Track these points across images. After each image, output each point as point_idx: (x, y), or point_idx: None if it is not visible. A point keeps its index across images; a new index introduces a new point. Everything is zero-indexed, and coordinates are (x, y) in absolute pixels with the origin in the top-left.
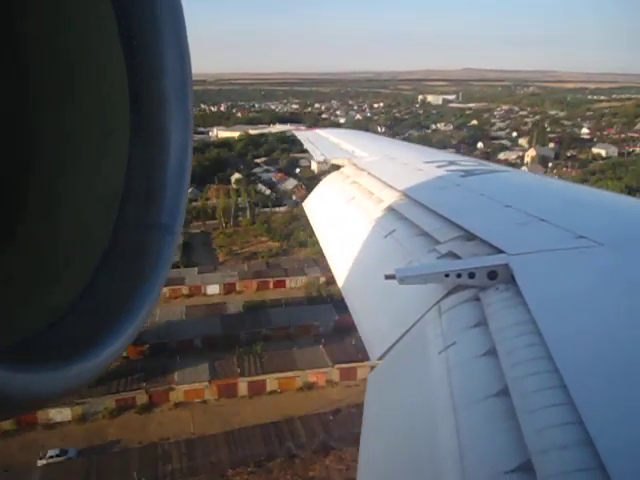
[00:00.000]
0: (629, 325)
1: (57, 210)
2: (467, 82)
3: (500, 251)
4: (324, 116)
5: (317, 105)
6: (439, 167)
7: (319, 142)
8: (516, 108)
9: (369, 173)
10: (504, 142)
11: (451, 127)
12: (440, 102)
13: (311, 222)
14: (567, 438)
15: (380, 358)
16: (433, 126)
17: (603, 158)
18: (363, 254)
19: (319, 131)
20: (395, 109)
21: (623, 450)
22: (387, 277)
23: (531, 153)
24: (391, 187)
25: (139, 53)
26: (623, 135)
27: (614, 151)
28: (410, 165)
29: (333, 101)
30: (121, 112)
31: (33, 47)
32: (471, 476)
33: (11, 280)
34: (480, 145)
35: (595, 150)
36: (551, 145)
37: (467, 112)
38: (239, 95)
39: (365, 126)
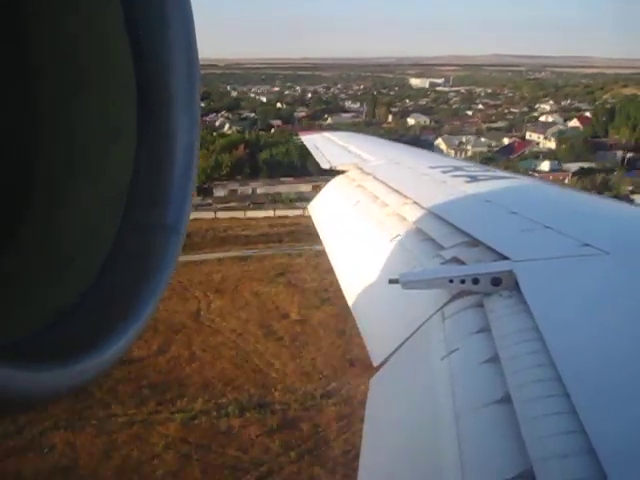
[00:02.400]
0: (633, 334)
1: (61, 210)
2: (480, 67)
3: (504, 257)
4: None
5: (297, 88)
6: (444, 172)
7: (325, 147)
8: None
9: (374, 177)
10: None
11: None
12: (427, 86)
13: (316, 225)
14: (569, 447)
15: (382, 363)
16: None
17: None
18: (367, 258)
19: (327, 134)
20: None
21: (625, 459)
22: (391, 281)
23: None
24: (396, 192)
25: (146, 53)
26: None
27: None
28: (415, 170)
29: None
30: (128, 113)
31: (41, 46)
32: None
33: (12, 279)
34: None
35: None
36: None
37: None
38: (239, 79)
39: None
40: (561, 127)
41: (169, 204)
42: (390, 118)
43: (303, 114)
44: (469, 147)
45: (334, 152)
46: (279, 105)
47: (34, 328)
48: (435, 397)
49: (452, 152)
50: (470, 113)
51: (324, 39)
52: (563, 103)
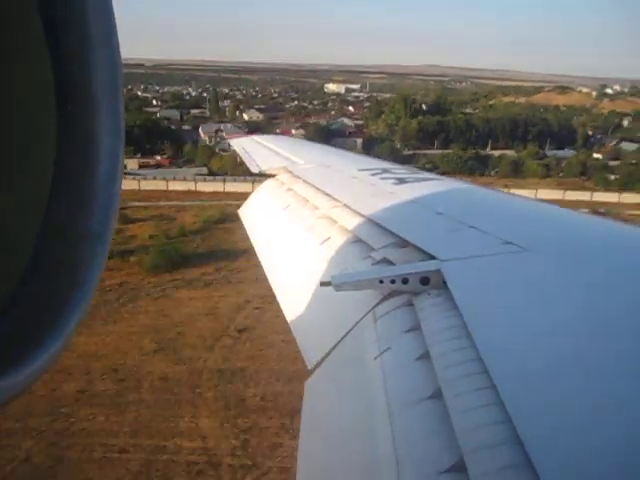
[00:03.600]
0: (554, 325)
1: None
2: (405, 75)
3: (432, 257)
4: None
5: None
6: (373, 175)
7: (254, 151)
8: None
9: (305, 181)
10: None
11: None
12: (343, 91)
13: (247, 229)
14: (497, 437)
15: (317, 365)
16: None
17: None
18: (299, 262)
19: (255, 137)
20: (282, 96)
21: (549, 446)
22: (322, 284)
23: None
24: (326, 195)
25: (65, 50)
26: None
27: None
28: (345, 173)
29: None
30: (47, 114)
31: None
32: (406, 478)
33: None
34: None
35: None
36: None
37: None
38: (162, 80)
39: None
40: (339, 120)
41: (93, 211)
42: (237, 114)
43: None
44: (224, 133)
45: (263, 155)
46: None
47: None
48: (369, 396)
49: (207, 137)
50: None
51: (260, 43)
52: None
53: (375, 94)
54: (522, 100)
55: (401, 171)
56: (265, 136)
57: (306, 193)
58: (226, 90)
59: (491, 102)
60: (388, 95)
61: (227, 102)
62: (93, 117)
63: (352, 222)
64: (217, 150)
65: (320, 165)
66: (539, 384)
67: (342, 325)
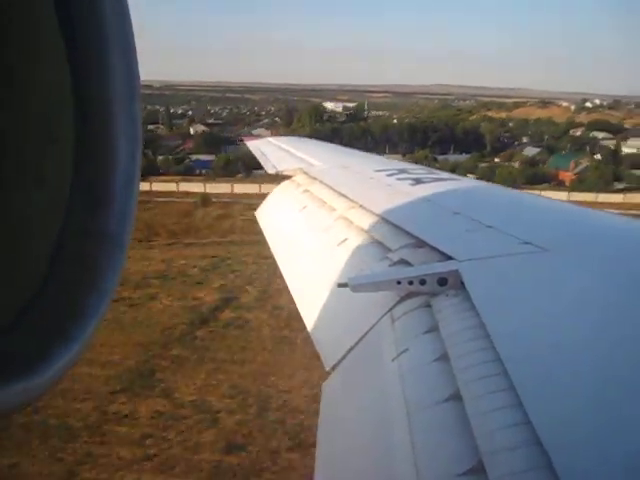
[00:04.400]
0: (574, 327)
1: None
2: (410, 94)
3: (450, 258)
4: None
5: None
6: (390, 175)
7: (270, 152)
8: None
9: (321, 182)
10: None
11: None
12: (340, 109)
13: (263, 232)
14: (516, 439)
15: (334, 367)
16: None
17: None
18: (315, 263)
19: (271, 139)
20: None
21: (569, 448)
22: (340, 285)
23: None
24: (343, 196)
25: (84, 57)
26: None
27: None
28: (361, 174)
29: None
30: (66, 119)
31: None
32: None
33: None
34: None
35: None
36: None
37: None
38: (168, 100)
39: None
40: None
41: (111, 213)
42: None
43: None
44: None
45: (279, 157)
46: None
47: None
48: (387, 398)
49: None
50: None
51: (267, 63)
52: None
53: (377, 112)
54: (503, 115)
55: (418, 171)
56: (281, 137)
57: (323, 194)
58: (217, 108)
59: (473, 117)
60: (380, 112)
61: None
62: (111, 120)
63: (369, 223)
64: None
65: (336, 166)
66: (559, 386)
67: (360, 326)
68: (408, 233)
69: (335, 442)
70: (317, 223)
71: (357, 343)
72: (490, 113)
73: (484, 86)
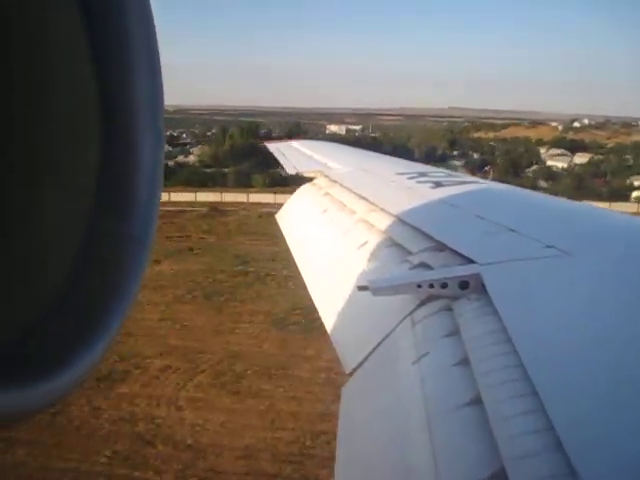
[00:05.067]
0: (598, 331)
1: (23, 225)
2: (422, 117)
3: (471, 261)
4: None
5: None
6: (411, 178)
7: (291, 154)
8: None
9: (342, 185)
10: None
11: None
12: (344, 132)
13: (284, 234)
14: (539, 444)
15: (354, 370)
16: None
17: None
18: (336, 266)
19: (292, 143)
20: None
21: (593, 455)
22: (360, 288)
23: None
24: (363, 199)
25: (108, 64)
26: None
27: None
28: (382, 176)
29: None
30: (91, 125)
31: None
32: None
33: None
34: None
35: None
36: None
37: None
38: (178, 124)
39: None
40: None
41: (135, 216)
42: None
43: None
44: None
45: (300, 159)
46: None
47: (1, 346)
48: (407, 402)
49: None
50: None
51: (276, 88)
52: None
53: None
54: (490, 135)
55: (439, 174)
56: (302, 141)
57: (343, 197)
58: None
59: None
60: (377, 134)
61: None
62: (134, 122)
63: (389, 226)
64: None
65: (357, 169)
66: (582, 391)
67: (380, 330)
68: (429, 236)
69: (355, 446)
70: (337, 226)
71: (377, 346)
72: (479, 134)
73: (497, 109)
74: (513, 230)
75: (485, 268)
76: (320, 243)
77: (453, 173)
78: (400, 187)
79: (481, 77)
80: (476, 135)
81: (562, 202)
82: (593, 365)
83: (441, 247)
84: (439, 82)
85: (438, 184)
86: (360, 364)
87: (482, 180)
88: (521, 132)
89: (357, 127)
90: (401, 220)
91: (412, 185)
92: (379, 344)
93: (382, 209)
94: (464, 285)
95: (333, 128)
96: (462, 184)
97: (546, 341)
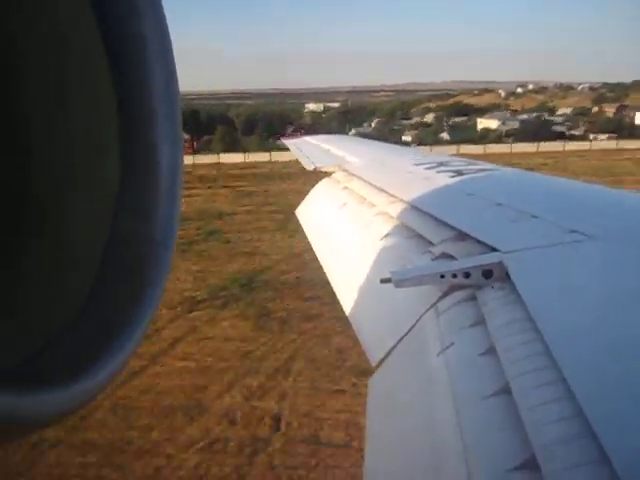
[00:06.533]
0: (624, 317)
1: (48, 228)
2: (412, 92)
3: (494, 249)
4: None
5: None
6: (429, 169)
7: (308, 149)
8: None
9: (360, 178)
10: None
11: None
12: (321, 109)
13: (304, 230)
14: (569, 432)
15: (380, 362)
16: None
17: None
18: (357, 259)
19: (308, 138)
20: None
21: (626, 441)
22: (382, 281)
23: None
24: (382, 191)
25: (125, 68)
26: None
27: None
28: (400, 168)
29: None
30: (110, 126)
31: (23, 68)
32: (476, 476)
33: (5, 302)
34: None
35: None
36: None
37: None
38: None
39: None
40: None
41: (156, 219)
42: None
43: None
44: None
45: (318, 154)
46: None
47: (29, 350)
48: (434, 392)
49: None
50: None
51: (259, 71)
52: None
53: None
54: (439, 104)
55: (458, 163)
56: (318, 136)
57: (362, 190)
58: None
59: (414, 109)
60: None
61: None
62: (153, 127)
63: (409, 217)
64: None
65: (374, 162)
66: (612, 377)
67: (404, 321)
68: (450, 226)
69: (383, 438)
70: (357, 219)
71: (402, 338)
72: (430, 104)
73: (486, 79)
74: (535, 216)
75: (508, 256)
76: (341, 237)
77: (472, 161)
78: (419, 178)
79: (483, 48)
80: (425, 105)
81: (586, 186)
82: (623, 351)
83: (463, 237)
84: (429, 57)
85: (458, 173)
86: (386, 356)
87: (503, 167)
88: (468, 100)
89: (335, 104)
90: (421, 211)
91: (431, 175)
92: (404, 336)
93: (402, 200)
94: (488, 274)
95: (311, 106)
96: (483, 172)
97: (573, 328)
